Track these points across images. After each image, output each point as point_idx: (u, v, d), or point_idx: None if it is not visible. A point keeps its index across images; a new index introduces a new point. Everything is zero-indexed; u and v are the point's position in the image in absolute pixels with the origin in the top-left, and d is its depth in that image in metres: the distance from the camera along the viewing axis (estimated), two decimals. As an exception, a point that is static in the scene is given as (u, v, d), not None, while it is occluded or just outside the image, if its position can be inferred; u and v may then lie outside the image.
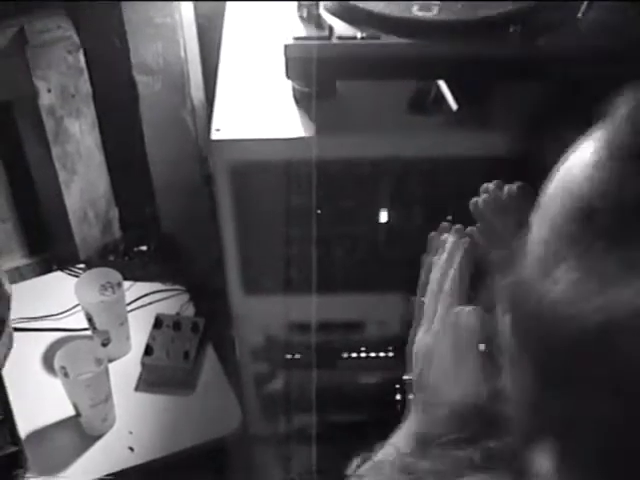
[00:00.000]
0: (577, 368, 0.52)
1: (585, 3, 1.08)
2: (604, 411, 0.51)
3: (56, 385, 1.52)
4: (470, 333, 0.94)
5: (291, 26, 1.10)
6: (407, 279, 1.24)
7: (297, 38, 1.08)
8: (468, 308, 0.95)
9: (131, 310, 1.79)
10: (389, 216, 1.17)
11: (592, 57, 1.07)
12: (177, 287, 1.87)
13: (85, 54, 1.70)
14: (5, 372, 1.61)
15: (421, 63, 1.10)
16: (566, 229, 0.53)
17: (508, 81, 1.13)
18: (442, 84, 1.13)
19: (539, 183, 1.00)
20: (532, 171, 1.09)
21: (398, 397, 1.42)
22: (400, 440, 0.98)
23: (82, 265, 1.92)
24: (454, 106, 1.11)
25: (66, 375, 1.51)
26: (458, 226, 0.99)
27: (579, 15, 1.09)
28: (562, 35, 1.08)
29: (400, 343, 1.33)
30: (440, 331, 0.96)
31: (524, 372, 0.58)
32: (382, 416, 1.46)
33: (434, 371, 0.96)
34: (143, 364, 1.68)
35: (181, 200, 1.90)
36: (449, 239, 1.00)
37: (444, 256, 0.99)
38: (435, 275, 0.98)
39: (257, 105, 1.16)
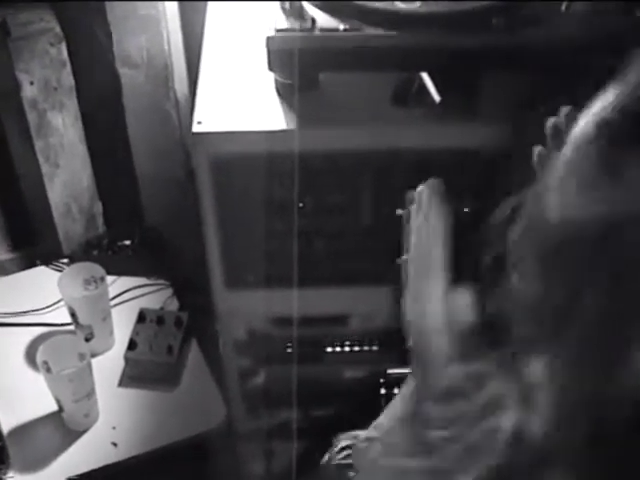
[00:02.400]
0: (579, 258, 0.56)
1: (569, -5, 1.08)
2: (603, 299, 0.54)
3: (39, 380, 1.51)
4: (462, 315, 0.95)
5: (273, 18, 1.09)
6: (391, 272, 1.23)
7: (279, 30, 1.07)
8: (460, 292, 0.95)
9: (115, 305, 1.78)
10: (372, 209, 1.16)
11: (575, 48, 1.06)
12: (161, 281, 1.86)
13: (68, 47, 1.69)
14: (-13, 367, 1.60)
15: (404, 55, 1.09)
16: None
17: (491, 73, 1.12)
18: (425, 76, 1.13)
19: (523, 173, 1.00)
20: (516, 162, 1.09)
21: (383, 391, 1.42)
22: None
23: (66, 260, 1.91)
24: (437, 98, 1.11)
25: (49, 370, 1.50)
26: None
27: (563, 7, 1.08)
28: (545, 26, 1.07)
29: (385, 336, 1.33)
30: (430, 307, 0.96)
31: (530, 273, 0.62)
32: (367, 410, 1.46)
33: (429, 347, 0.96)
34: (126, 359, 1.67)
35: (165, 194, 1.89)
36: (423, 193, 1.00)
37: (420, 217, 0.99)
38: (414, 238, 0.98)
39: (239, 98, 1.15)
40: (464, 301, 0.95)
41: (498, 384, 0.67)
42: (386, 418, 1.02)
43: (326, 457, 0.99)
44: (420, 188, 1.00)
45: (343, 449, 0.98)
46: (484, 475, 0.64)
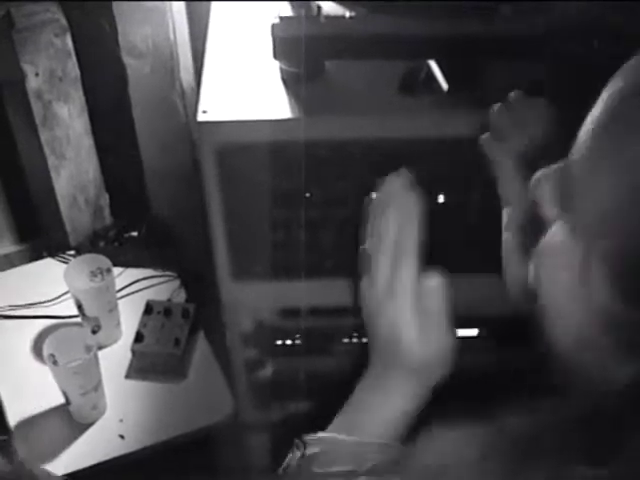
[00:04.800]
0: None
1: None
2: None
3: (45, 373, 1.51)
4: (438, 301, 0.96)
5: (278, 6, 1.08)
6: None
7: (284, 17, 1.06)
8: (434, 277, 0.95)
9: (121, 296, 1.77)
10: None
11: (584, 36, 1.05)
12: (168, 273, 1.86)
13: (73, 37, 1.68)
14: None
15: (411, 43, 1.07)
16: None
17: (500, 61, 1.11)
18: (433, 64, 1.11)
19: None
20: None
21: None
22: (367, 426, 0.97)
23: (72, 251, 1.90)
24: (445, 86, 1.09)
25: (55, 363, 1.49)
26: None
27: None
28: (553, 14, 1.06)
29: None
30: (401, 296, 0.95)
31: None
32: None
33: (402, 339, 0.95)
34: (133, 351, 1.66)
35: (172, 185, 1.88)
36: (392, 185, 1.00)
37: (390, 205, 0.98)
38: (380, 225, 0.98)
39: (244, 86, 1.14)
40: (435, 284, 0.95)
41: None
42: (349, 416, 1.01)
43: (286, 463, 0.98)
44: (389, 177, 1.00)
45: (304, 456, 0.96)
46: None
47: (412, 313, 0.95)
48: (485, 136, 1.02)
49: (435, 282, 0.96)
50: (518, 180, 0.98)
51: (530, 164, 0.97)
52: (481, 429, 0.70)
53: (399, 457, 0.89)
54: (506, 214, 1.01)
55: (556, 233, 0.70)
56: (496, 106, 1.02)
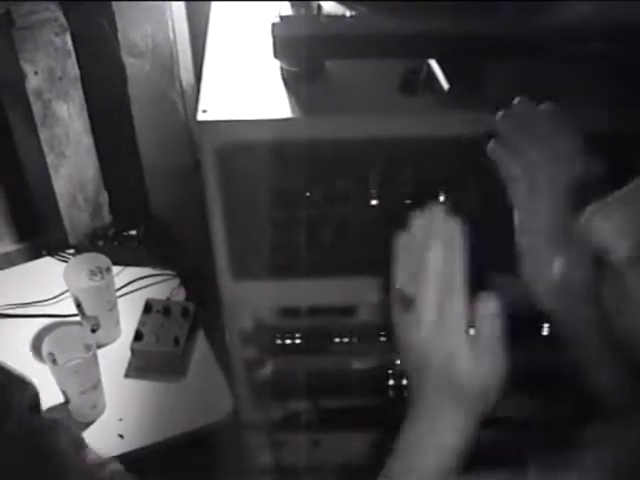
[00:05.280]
0: None
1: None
2: None
3: (45, 372, 1.50)
4: (493, 326, 0.94)
5: (279, 5, 1.08)
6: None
7: (284, 16, 1.06)
8: (488, 302, 0.94)
9: (121, 295, 1.77)
10: (380, 198, 1.15)
11: (587, 34, 1.05)
12: (167, 272, 1.86)
13: (72, 36, 1.68)
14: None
15: (412, 42, 1.07)
16: None
17: (501, 60, 1.11)
18: (433, 63, 1.11)
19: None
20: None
21: (391, 382, 1.41)
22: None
23: (71, 250, 1.90)
24: (446, 85, 1.09)
25: (54, 362, 1.49)
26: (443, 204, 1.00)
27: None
28: (556, 11, 1.06)
29: (393, 327, 1.32)
30: (454, 327, 0.95)
31: None
32: (374, 401, 1.45)
33: (459, 370, 0.95)
34: (133, 350, 1.66)
35: (171, 184, 1.88)
36: (438, 218, 0.99)
37: (436, 240, 0.98)
38: (432, 260, 0.97)
39: (244, 86, 1.14)
40: (490, 310, 0.94)
41: None
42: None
43: None
44: (424, 210, 1.01)
45: None
46: None
47: (466, 343, 0.94)
48: (492, 144, 1.02)
49: (490, 307, 0.94)
50: (526, 184, 0.98)
51: (541, 167, 0.97)
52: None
53: None
54: (517, 216, 1.00)
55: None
56: (501, 113, 1.01)
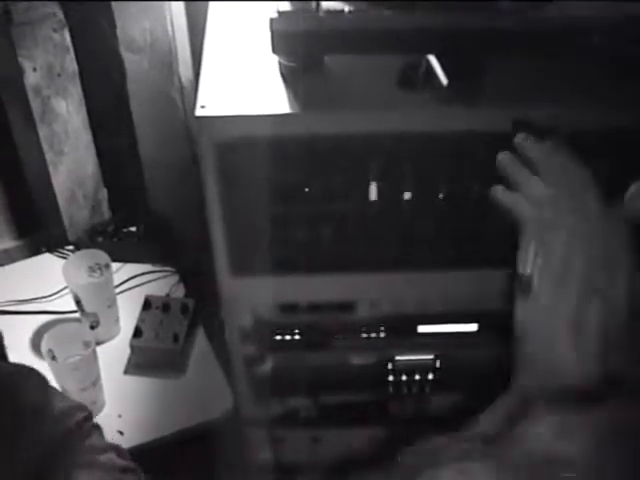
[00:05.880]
0: None
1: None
2: None
3: (44, 368, 1.50)
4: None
5: (277, 0, 1.08)
6: (398, 257, 1.22)
7: (283, 12, 1.05)
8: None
9: (120, 292, 1.77)
10: (379, 193, 1.15)
11: (586, 29, 1.05)
12: (167, 268, 1.85)
13: (71, 32, 1.68)
14: (-7, 355, 1.60)
15: (410, 37, 1.07)
16: None
17: (500, 55, 1.10)
18: (432, 58, 1.11)
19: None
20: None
21: (391, 378, 1.41)
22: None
23: (71, 246, 1.90)
24: (444, 81, 1.09)
25: (54, 358, 1.49)
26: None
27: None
28: (555, 6, 1.05)
29: (393, 323, 1.32)
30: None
31: None
32: (374, 397, 1.45)
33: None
34: (132, 346, 1.66)
35: (170, 180, 1.88)
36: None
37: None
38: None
39: (243, 81, 1.13)
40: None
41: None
42: None
43: None
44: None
45: None
46: None
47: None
48: (496, 188, 1.02)
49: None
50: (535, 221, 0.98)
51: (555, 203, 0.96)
52: None
53: None
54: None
55: None
56: (503, 154, 1.01)
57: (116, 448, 1.22)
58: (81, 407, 1.14)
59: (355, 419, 1.48)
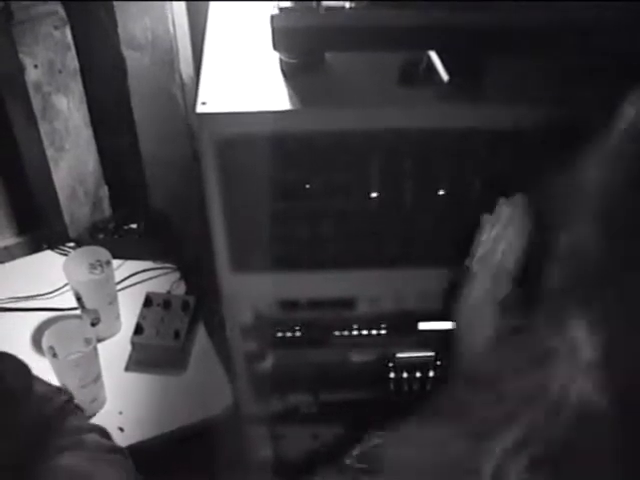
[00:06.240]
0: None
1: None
2: None
3: (45, 365, 1.50)
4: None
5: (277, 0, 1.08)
6: (399, 254, 1.22)
7: (283, 8, 1.05)
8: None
9: (121, 289, 1.77)
10: (380, 190, 1.15)
11: (588, 28, 1.05)
12: (167, 265, 1.85)
13: (72, 29, 1.68)
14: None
15: (411, 33, 1.07)
16: None
17: (500, 52, 1.10)
18: (433, 55, 1.11)
19: (530, 154, 1.00)
20: (525, 143, 1.07)
21: (391, 375, 1.41)
22: None
23: (72, 244, 1.90)
24: (445, 77, 1.09)
25: (55, 355, 1.49)
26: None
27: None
28: (555, 6, 1.05)
29: (393, 319, 1.32)
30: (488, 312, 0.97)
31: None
32: (374, 394, 1.45)
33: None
34: (133, 343, 1.66)
35: (171, 177, 1.88)
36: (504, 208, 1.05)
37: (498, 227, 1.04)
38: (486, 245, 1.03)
39: (244, 78, 1.14)
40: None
41: (545, 337, 0.68)
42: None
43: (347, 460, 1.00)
44: (504, 201, 1.07)
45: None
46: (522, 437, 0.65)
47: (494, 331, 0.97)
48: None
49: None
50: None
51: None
52: None
53: None
54: None
55: None
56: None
57: (99, 429, 1.22)
58: (61, 390, 1.14)
59: (355, 416, 1.48)
